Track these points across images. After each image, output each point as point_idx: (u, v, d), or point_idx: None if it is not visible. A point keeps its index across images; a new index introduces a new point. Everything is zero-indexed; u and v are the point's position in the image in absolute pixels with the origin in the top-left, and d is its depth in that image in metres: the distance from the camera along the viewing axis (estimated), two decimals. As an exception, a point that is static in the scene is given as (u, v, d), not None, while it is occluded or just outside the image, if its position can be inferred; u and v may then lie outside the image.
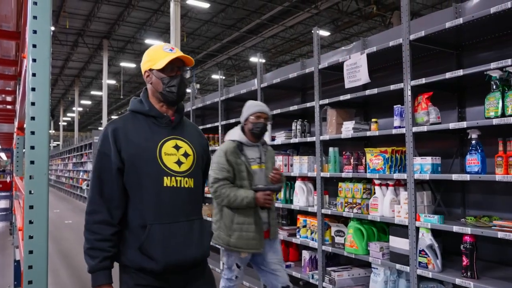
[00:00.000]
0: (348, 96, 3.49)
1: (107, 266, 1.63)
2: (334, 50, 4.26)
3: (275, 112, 4.25)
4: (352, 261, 3.75)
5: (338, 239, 3.62)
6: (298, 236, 4.08)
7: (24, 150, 1.33)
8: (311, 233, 3.90)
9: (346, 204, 3.53)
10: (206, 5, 15.47)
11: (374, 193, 3.32)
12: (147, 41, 19.20)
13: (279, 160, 4.20)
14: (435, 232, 2.85)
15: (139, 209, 1.68)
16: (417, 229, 2.91)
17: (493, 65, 2.48)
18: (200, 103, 6.12)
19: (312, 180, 4.01)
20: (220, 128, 5.38)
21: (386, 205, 3.19)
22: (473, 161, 2.62)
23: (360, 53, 3.39)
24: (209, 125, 5.64)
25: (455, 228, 2.66)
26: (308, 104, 3.93)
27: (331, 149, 3.75)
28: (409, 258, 2.95)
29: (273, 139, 4.42)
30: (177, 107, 1.84)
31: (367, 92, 3.31)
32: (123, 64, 23.49)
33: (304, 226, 3.99)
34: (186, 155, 1.77)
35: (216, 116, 5.54)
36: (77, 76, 28.64)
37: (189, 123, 1.95)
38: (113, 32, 20.27)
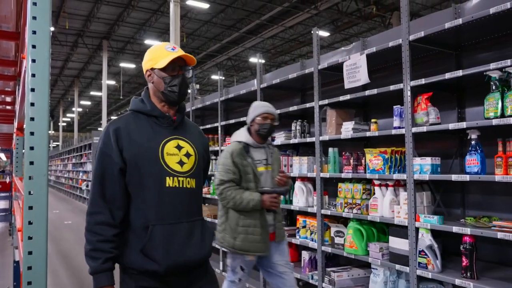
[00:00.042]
0: (347, 97, 3.49)
1: (109, 268, 1.61)
2: (333, 50, 4.26)
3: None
4: (351, 262, 3.75)
5: (337, 240, 3.61)
6: (297, 237, 4.08)
7: (23, 150, 1.33)
8: (311, 234, 3.90)
9: (345, 205, 3.52)
10: (206, 6, 15.48)
11: (374, 193, 3.32)
12: (147, 41, 19.20)
13: (279, 161, 4.19)
14: (434, 233, 2.85)
15: (141, 210, 1.66)
16: (417, 229, 2.91)
17: (492, 65, 2.48)
18: (199, 104, 6.12)
19: (312, 180, 4.01)
20: (219, 128, 5.37)
21: (386, 205, 3.19)
22: (472, 161, 2.62)
23: (359, 54, 3.40)
24: (208, 126, 5.64)
25: (455, 229, 2.66)
26: (308, 105, 3.93)
27: (330, 149, 3.75)
28: (409, 259, 2.95)
29: (272, 139, 4.41)
30: (178, 107, 1.83)
31: (367, 92, 3.31)
32: (123, 64, 23.49)
33: (304, 227, 3.99)
34: (188, 155, 1.76)
35: (215, 117, 5.54)
36: (77, 77, 28.64)
37: (190, 122, 1.94)
38: (113, 32, 20.27)
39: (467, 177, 2.61)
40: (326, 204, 3.85)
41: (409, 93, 2.97)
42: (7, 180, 10.00)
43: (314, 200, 3.90)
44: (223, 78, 5.94)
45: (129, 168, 1.66)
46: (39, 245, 1.26)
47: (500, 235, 2.41)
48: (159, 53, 1.77)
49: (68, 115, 41.44)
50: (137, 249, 1.63)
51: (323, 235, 3.77)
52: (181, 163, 1.73)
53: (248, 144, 2.96)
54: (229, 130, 5.57)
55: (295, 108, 4.12)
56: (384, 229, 3.43)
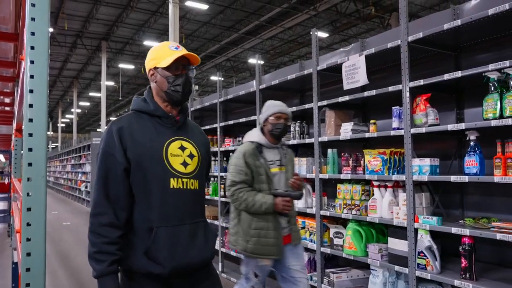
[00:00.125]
0: (346, 98, 3.49)
1: (114, 270, 1.58)
2: (332, 51, 4.26)
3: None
4: (350, 263, 3.74)
5: (336, 241, 3.61)
6: (296, 238, 4.07)
7: (22, 152, 1.33)
8: (310, 235, 3.89)
9: (344, 206, 3.52)
10: (205, 7, 15.48)
11: (373, 194, 3.32)
12: (146, 42, 19.21)
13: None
14: (433, 234, 2.85)
15: (144, 211, 1.64)
16: (416, 230, 2.91)
17: (491, 66, 2.48)
18: (198, 105, 6.11)
19: (311, 181, 4.01)
20: (218, 129, 5.37)
21: (385, 206, 3.19)
22: (471, 162, 2.62)
23: (358, 55, 3.40)
24: (207, 127, 5.64)
25: (454, 230, 2.66)
26: (307, 106, 3.93)
27: (329, 150, 3.75)
28: (408, 260, 2.95)
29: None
30: (181, 107, 1.80)
31: (366, 93, 3.32)
32: (122, 65, 23.49)
33: (303, 228, 3.99)
34: (191, 156, 1.74)
35: (214, 118, 5.54)
36: (76, 78, 28.62)
37: (192, 123, 1.92)
38: (112, 33, 20.27)
39: (466, 178, 2.61)
40: (325, 205, 3.85)
41: (408, 94, 2.97)
42: (6, 181, 9.98)
43: (313, 201, 3.90)
44: (222, 79, 5.94)
45: (133, 168, 1.63)
46: (37, 246, 1.26)
47: (499, 236, 2.41)
48: (163, 52, 1.74)
49: (67, 116, 41.42)
50: (141, 251, 1.60)
51: (322, 236, 3.76)
52: (184, 164, 1.71)
53: (261, 144, 2.88)
54: (228, 131, 5.58)
55: (294, 109, 4.12)
56: (383, 230, 3.43)
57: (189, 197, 1.70)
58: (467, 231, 2.59)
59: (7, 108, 5.78)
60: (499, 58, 2.60)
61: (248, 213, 2.79)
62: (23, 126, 1.28)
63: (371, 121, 3.41)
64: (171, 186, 1.66)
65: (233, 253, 4.98)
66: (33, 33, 1.29)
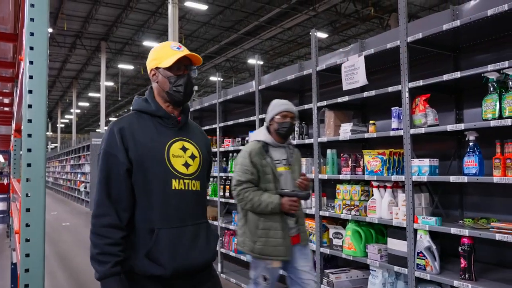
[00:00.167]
0: (346, 98, 3.49)
1: (118, 272, 1.55)
2: (332, 52, 4.26)
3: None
4: (350, 263, 3.74)
5: (336, 241, 3.61)
6: (296, 238, 4.07)
7: (21, 152, 1.33)
8: (309, 235, 3.89)
9: (344, 206, 3.52)
10: (204, 7, 15.48)
11: (372, 195, 3.33)
12: (145, 43, 19.21)
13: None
14: (433, 234, 2.85)
15: (146, 213, 1.62)
16: (415, 231, 2.91)
17: (490, 67, 2.48)
18: (198, 105, 6.11)
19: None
20: (217, 130, 5.37)
21: (384, 207, 3.19)
22: (470, 163, 2.62)
23: (357, 55, 3.40)
24: (207, 127, 5.64)
25: (453, 230, 2.66)
26: (306, 106, 3.93)
27: (329, 151, 3.75)
28: (407, 260, 2.95)
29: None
30: (182, 107, 1.79)
31: (365, 94, 3.32)
32: (121, 66, 23.48)
33: (302, 228, 3.99)
34: (193, 157, 1.73)
35: (214, 118, 5.54)
36: (75, 78, 28.61)
37: (193, 123, 1.90)
38: (111, 34, 20.27)
39: (465, 179, 2.61)
40: (325, 205, 3.85)
41: (407, 94, 2.97)
42: (5, 181, 9.97)
43: (312, 202, 3.90)
44: (222, 79, 5.94)
45: (134, 168, 1.62)
46: (36, 247, 1.26)
47: (498, 236, 2.41)
48: (164, 52, 1.72)
49: (66, 116, 41.39)
50: (142, 252, 1.59)
51: (321, 237, 3.76)
52: (186, 165, 1.70)
53: (267, 143, 2.84)
54: (227, 132, 5.58)
55: (293, 109, 4.12)
56: (383, 231, 3.44)
57: (191, 198, 1.69)
58: (466, 232, 2.60)
59: (6, 109, 5.78)
60: (498, 59, 2.60)
61: (254, 213, 2.74)
62: (22, 127, 1.28)
63: (371, 122, 3.42)
64: (173, 187, 1.64)
65: (232, 254, 4.99)
66: (32, 34, 1.29)
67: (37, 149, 1.27)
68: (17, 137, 4.71)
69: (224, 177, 5.26)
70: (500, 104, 2.45)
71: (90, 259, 1.57)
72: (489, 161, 2.62)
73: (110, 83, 27.62)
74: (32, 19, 1.29)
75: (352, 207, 3.44)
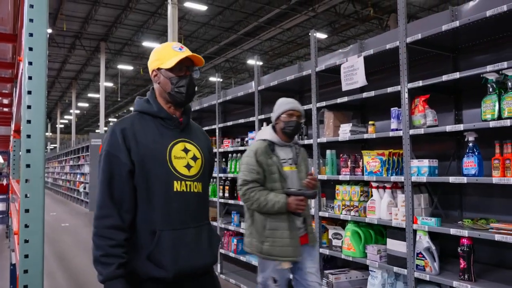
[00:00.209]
0: (345, 99, 3.49)
1: (122, 274, 1.53)
2: (331, 52, 4.26)
3: (272, 115, 4.25)
4: (349, 264, 3.74)
5: (335, 242, 3.61)
6: (295, 239, 4.07)
7: (20, 153, 1.32)
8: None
9: (343, 207, 3.52)
10: (204, 8, 15.50)
11: (372, 195, 3.33)
12: (145, 43, 19.22)
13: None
14: (432, 235, 2.85)
15: (147, 215, 1.61)
16: (415, 231, 2.91)
17: (489, 67, 2.48)
18: (197, 106, 6.11)
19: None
20: (217, 130, 5.37)
21: (384, 207, 3.19)
22: (470, 163, 2.62)
23: (357, 56, 3.40)
24: (206, 128, 5.63)
25: (452, 231, 2.66)
26: (306, 107, 3.92)
27: (328, 151, 3.75)
28: (407, 261, 2.95)
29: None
30: (184, 109, 1.78)
31: (364, 94, 3.32)
32: (121, 66, 23.47)
33: (302, 229, 3.99)
34: (194, 158, 1.72)
35: (213, 119, 5.54)
36: (75, 79, 28.60)
37: (195, 125, 1.89)
38: (111, 34, 20.26)
39: (464, 179, 2.62)
40: (324, 206, 3.85)
41: (406, 95, 2.98)
42: (4, 182, 9.97)
43: (312, 202, 3.90)
44: (221, 80, 5.93)
45: (137, 170, 1.61)
46: (35, 248, 1.25)
47: (497, 237, 2.41)
48: (166, 53, 1.71)
49: (65, 117, 41.37)
50: (144, 255, 1.58)
51: (321, 237, 3.76)
52: (188, 166, 1.69)
53: (273, 142, 2.79)
54: (226, 132, 5.58)
55: (292, 110, 4.11)
56: (382, 231, 3.44)
57: (193, 200, 1.68)
58: (465, 232, 2.60)
59: (5, 109, 5.78)
60: (497, 60, 2.60)
61: (261, 213, 2.70)
62: (21, 128, 1.28)
63: (370, 122, 3.42)
64: (175, 189, 1.63)
65: (231, 254, 4.98)
66: (31, 35, 1.29)
67: (36, 150, 1.27)
68: (16, 138, 4.71)
69: (223, 178, 5.26)
70: (499, 104, 2.45)
71: (93, 262, 1.55)
72: (488, 161, 2.62)
73: (110, 84, 27.61)
74: (31, 20, 1.29)
75: (352, 208, 3.44)
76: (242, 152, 4.84)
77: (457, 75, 2.66)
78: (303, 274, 2.74)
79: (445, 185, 3.04)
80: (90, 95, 31.20)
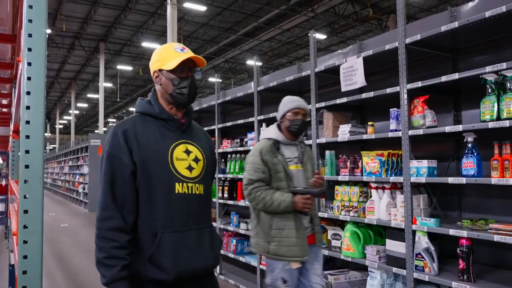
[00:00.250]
0: (344, 100, 3.49)
1: (125, 276, 1.52)
2: (330, 53, 4.27)
3: (271, 115, 4.26)
4: (348, 265, 3.74)
5: (334, 243, 3.61)
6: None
7: (19, 153, 1.32)
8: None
9: (342, 208, 3.52)
10: (203, 8, 15.50)
11: (371, 196, 3.33)
12: (144, 44, 19.21)
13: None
14: (431, 235, 2.85)
15: (149, 216, 1.60)
16: (414, 232, 2.91)
17: (488, 68, 2.49)
18: (196, 106, 6.11)
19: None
20: (216, 131, 5.37)
21: (383, 208, 3.19)
22: (469, 164, 2.62)
23: (356, 57, 3.40)
24: (206, 128, 5.60)
25: (452, 232, 2.66)
26: (305, 107, 3.93)
27: (327, 152, 3.76)
28: (406, 262, 2.95)
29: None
30: (186, 110, 1.77)
31: (363, 95, 3.32)
32: (120, 67, 23.46)
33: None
34: (196, 160, 1.71)
35: (212, 119, 5.54)
36: (74, 79, 28.58)
37: (196, 126, 1.88)
38: (110, 35, 20.26)
39: (463, 180, 2.62)
40: (323, 206, 3.85)
41: (405, 96, 2.98)
42: (3, 182, 9.96)
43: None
44: (220, 80, 5.93)
45: (139, 171, 1.60)
46: (34, 249, 1.25)
47: (496, 237, 2.42)
48: (168, 54, 1.70)
49: (65, 117, 41.35)
50: (145, 257, 1.57)
51: (320, 238, 3.76)
52: (190, 168, 1.68)
53: (279, 141, 2.76)
54: (226, 133, 5.58)
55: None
56: (381, 232, 3.44)
57: (195, 202, 1.67)
58: (464, 233, 2.60)
59: (4, 110, 5.78)
60: (496, 60, 2.60)
61: (267, 213, 2.66)
62: (20, 128, 1.28)
63: (369, 123, 3.42)
64: (176, 191, 1.62)
65: (231, 255, 4.98)
66: (30, 35, 1.29)
67: (35, 150, 1.27)
68: (15, 138, 4.71)
69: (222, 178, 5.26)
70: (498, 105, 2.46)
71: (96, 264, 1.54)
72: (487, 162, 2.63)
73: (109, 84, 27.61)
74: (30, 21, 1.29)
75: (351, 209, 3.45)
76: (242, 152, 4.85)
77: (456, 76, 2.66)
78: (307, 275, 2.71)
79: (444, 185, 3.04)
80: (89, 95, 31.18)
